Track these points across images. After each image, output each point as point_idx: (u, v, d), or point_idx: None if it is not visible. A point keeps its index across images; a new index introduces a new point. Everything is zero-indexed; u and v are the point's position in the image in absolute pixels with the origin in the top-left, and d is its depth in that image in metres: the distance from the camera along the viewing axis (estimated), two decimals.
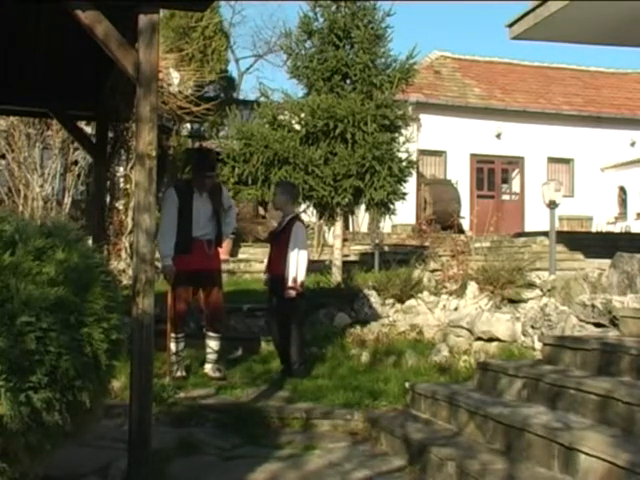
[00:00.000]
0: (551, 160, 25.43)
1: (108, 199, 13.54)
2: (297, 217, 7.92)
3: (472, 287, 9.53)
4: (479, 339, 8.27)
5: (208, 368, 7.50)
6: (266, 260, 8.23)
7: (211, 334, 7.53)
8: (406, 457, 5.43)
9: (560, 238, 12.52)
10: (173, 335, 7.35)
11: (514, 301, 8.95)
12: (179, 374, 7.37)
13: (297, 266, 7.49)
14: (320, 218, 11.98)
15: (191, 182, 7.71)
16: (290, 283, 7.45)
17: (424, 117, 22.99)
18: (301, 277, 7.56)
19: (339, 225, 11.75)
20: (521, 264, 9.77)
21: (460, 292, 9.64)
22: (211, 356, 7.53)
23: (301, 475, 5.07)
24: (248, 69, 37.59)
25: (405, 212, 17.29)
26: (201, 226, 7.45)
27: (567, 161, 25.77)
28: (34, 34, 6.71)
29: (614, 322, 6.82)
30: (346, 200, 10.68)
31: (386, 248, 14.97)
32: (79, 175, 15.39)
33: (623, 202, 25.48)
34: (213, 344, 7.51)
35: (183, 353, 7.55)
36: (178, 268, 7.24)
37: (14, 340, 3.01)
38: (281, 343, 7.74)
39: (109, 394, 5.14)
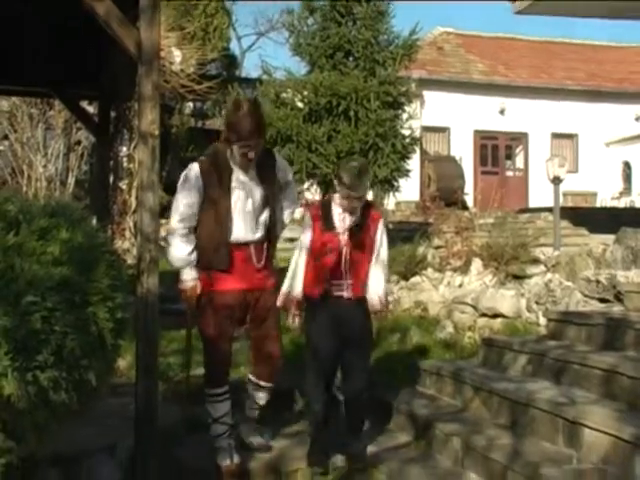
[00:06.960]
0: (555, 136, 25.35)
1: (111, 179, 13.54)
2: (372, 205, 5.18)
3: (476, 263, 9.52)
4: (484, 315, 8.27)
5: (246, 431, 5.10)
6: (302, 267, 4.88)
7: (261, 383, 4.98)
8: (412, 433, 5.46)
9: (564, 214, 12.49)
10: (210, 392, 4.81)
11: (518, 277, 8.94)
12: (227, 462, 4.74)
13: (385, 281, 5.04)
14: (324, 196, 11.96)
15: (228, 156, 4.69)
16: (379, 305, 4.95)
17: (427, 94, 22.89)
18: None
19: None
20: (525, 240, 9.74)
21: (464, 269, 9.62)
22: (254, 412, 5.07)
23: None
24: (250, 47, 37.55)
25: (409, 189, 17.17)
26: (246, 225, 4.71)
27: (571, 136, 25.69)
28: (36, 13, 6.67)
29: (618, 297, 6.82)
30: None
31: (390, 225, 14.91)
32: (82, 155, 15.41)
33: (627, 177, 25.43)
34: (260, 396, 4.99)
35: (229, 419, 4.85)
36: (210, 290, 4.73)
37: (20, 320, 3.02)
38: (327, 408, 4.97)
39: (115, 373, 5.18)
